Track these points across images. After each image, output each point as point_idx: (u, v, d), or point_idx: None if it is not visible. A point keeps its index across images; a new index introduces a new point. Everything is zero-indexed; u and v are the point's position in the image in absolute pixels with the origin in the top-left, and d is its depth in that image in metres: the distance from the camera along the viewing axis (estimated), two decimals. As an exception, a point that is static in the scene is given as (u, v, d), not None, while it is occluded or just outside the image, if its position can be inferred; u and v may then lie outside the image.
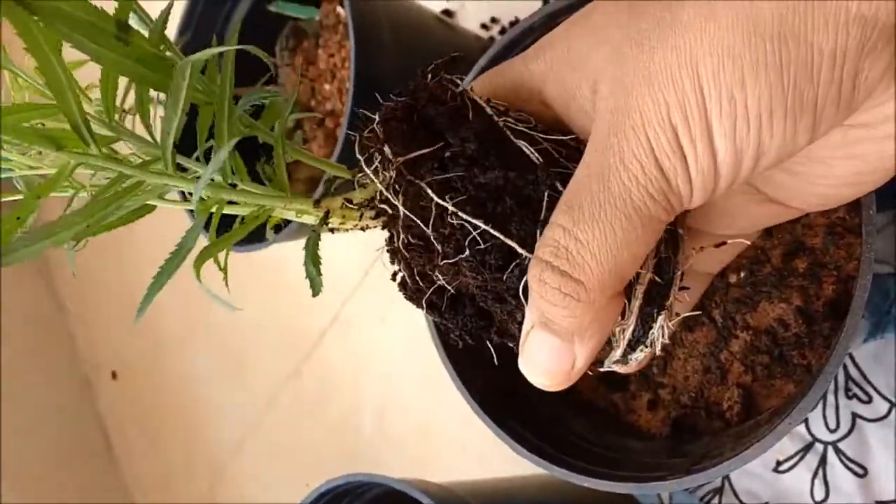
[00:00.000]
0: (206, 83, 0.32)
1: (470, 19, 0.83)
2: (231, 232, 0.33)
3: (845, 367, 0.57)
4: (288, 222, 0.65)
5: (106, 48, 0.28)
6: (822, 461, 0.57)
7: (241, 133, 0.33)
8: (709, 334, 0.48)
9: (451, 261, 0.30)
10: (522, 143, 0.31)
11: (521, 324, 0.31)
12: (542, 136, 0.31)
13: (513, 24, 0.79)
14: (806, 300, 0.45)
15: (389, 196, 0.31)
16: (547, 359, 0.30)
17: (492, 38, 0.80)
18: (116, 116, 0.31)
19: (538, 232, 0.30)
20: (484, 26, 0.81)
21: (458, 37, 0.77)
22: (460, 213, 0.30)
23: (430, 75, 0.32)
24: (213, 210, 0.33)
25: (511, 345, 0.33)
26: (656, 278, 0.31)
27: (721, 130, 0.26)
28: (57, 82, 0.28)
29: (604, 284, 0.28)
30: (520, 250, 0.30)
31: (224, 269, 0.34)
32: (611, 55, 0.28)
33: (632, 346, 0.32)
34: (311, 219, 0.34)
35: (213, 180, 0.32)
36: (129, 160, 0.32)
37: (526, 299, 0.30)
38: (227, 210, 0.34)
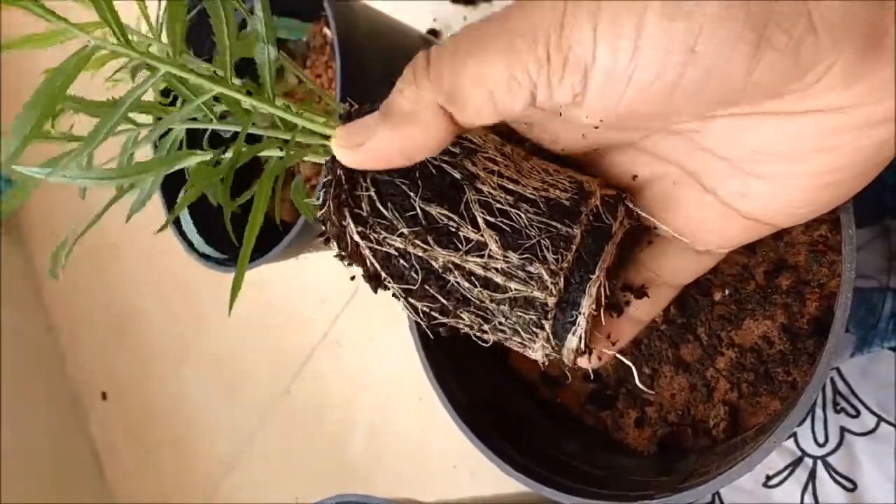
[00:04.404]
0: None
1: (456, 39, 0.83)
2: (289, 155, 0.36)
3: (833, 382, 0.57)
4: (278, 241, 0.65)
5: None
6: (812, 476, 0.58)
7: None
8: (694, 352, 0.48)
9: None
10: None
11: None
12: None
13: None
14: (790, 317, 0.45)
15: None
16: (361, 120, 0.31)
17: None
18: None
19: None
20: (470, 45, 0.81)
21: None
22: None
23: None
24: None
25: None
26: (572, 279, 0.32)
27: (658, 12, 0.25)
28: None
29: (438, 82, 0.28)
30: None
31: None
32: None
33: (562, 324, 0.32)
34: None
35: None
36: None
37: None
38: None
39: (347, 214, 0.32)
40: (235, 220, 0.39)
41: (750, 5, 0.25)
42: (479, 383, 0.52)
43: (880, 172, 0.30)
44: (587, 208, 0.32)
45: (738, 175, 0.31)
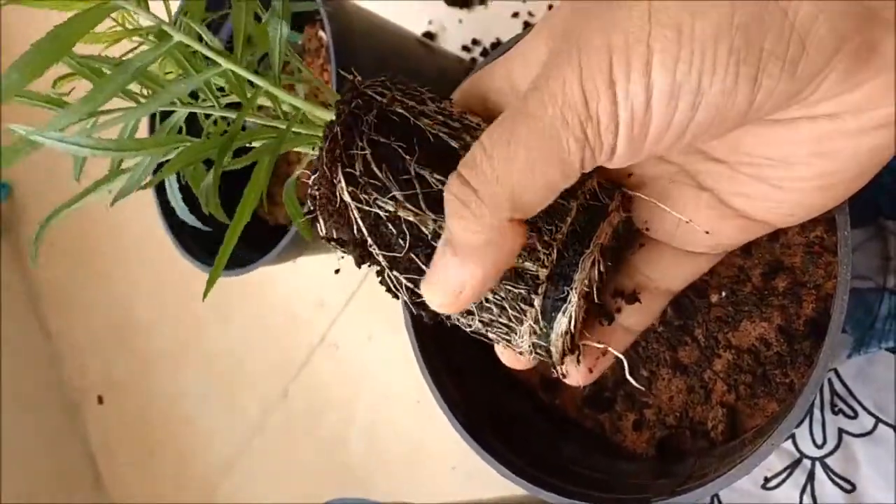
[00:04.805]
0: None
1: (451, 41, 0.83)
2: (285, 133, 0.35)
3: (831, 383, 0.57)
4: (274, 244, 0.65)
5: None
6: (810, 477, 0.57)
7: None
8: (692, 354, 0.48)
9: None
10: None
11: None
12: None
13: (494, 45, 0.79)
14: (787, 319, 0.45)
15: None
16: (441, 273, 0.30)
17: (473, 60, 0.80)
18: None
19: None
20: (465, 48, 0.81)
21: (440, 59, 0.78)
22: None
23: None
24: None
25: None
26: (565, 253, 0.31)
27: (661, 59, 0.26)
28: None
29: (497, 202, 0.28)
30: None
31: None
32: (570, 13, 0.28)
33: (552, 301, 0.32)
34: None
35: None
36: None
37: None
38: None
39: (340, 171, 0.32)
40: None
41: (742, 41, 0.25)
42: (476, 386, 0.52)
43: (877, 173, 0.30)
44: (584, 187, 0.32)
45: (735, 176, 0.32)
